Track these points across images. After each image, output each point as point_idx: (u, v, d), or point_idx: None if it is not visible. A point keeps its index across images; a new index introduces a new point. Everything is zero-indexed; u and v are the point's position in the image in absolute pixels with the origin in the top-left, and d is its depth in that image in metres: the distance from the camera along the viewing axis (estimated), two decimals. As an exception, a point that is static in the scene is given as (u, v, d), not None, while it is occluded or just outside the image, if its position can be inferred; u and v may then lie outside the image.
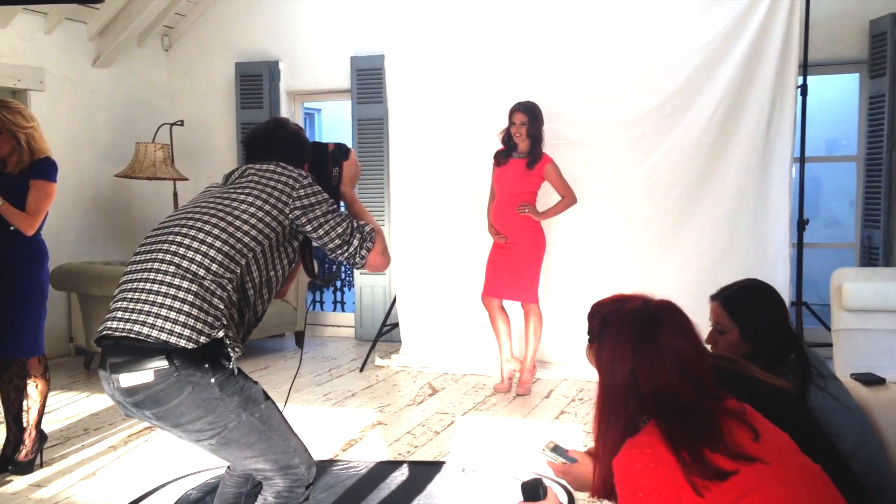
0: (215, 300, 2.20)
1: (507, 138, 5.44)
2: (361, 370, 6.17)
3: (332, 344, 7.26)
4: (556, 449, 2.16)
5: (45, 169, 3.98)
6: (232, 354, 2.19)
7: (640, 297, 1.80)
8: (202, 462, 4.13)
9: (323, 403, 5.30)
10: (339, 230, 2.42)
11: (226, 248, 2.26)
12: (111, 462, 4.21)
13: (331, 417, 4.99)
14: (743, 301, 2.49)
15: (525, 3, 6.04)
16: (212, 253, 2.24)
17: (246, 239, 2.29)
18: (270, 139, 2.58)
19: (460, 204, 6.24)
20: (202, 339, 2.13)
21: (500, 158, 5.49)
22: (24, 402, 4.15)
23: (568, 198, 5.38)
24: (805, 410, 2.17)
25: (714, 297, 2.54)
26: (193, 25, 7.83)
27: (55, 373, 6.01)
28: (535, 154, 5.34)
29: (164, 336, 2.13)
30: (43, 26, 6.60)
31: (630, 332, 1.73)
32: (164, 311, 2.16)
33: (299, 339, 7.07)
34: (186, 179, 7.29)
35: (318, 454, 4.24)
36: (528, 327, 5.48)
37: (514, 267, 5.39)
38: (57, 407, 5.26)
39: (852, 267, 5.63)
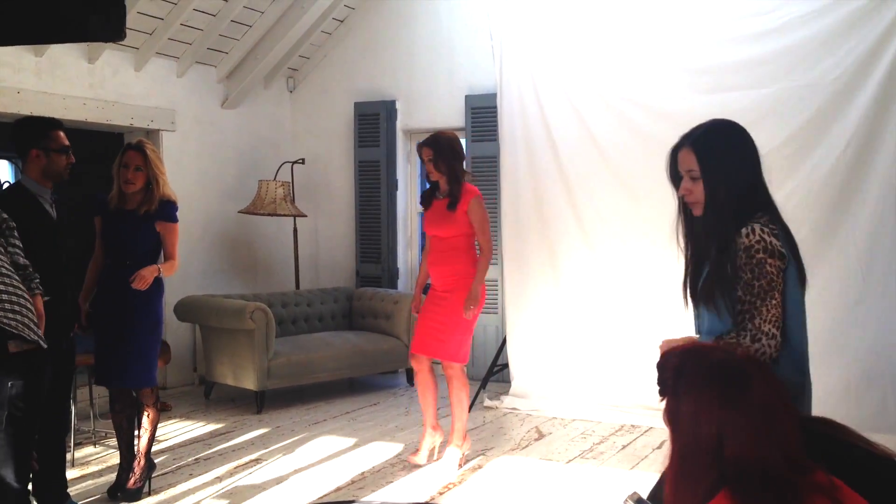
0: None
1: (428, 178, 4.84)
2: (469, 410, 6.07)
3: (444, 382, 7.17)
4: (640, 502, 1.99)
5: (173, 212, 4.19)
6: None
7: (719, 347, 1.65)
8: (307, 496, 4.15)
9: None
10: None
11: None
12: (215, 493, 4.30)
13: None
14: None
15: (641, 39, 5.91)
16: None
17: None
18: None
19: (572, 243, 6.13)
20: None
21: (426, 201, 4.87)
22: (136, 431, 4.31)
23: (486, 249, 4.72)
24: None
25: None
26: (317, 67, 8.07)
27: (178, 401, 6.26)
28: (455, 192, 4.66)
29: None
30: (175, 70, 6.95)
31: (717, 387, 1.56)
32: None
33: (410, 376, 7.05)
34: (305, 216, 7.47)
35: (416, 496, 4.20)
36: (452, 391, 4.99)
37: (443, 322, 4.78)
38: (173, 435, 5.44)
39: None
